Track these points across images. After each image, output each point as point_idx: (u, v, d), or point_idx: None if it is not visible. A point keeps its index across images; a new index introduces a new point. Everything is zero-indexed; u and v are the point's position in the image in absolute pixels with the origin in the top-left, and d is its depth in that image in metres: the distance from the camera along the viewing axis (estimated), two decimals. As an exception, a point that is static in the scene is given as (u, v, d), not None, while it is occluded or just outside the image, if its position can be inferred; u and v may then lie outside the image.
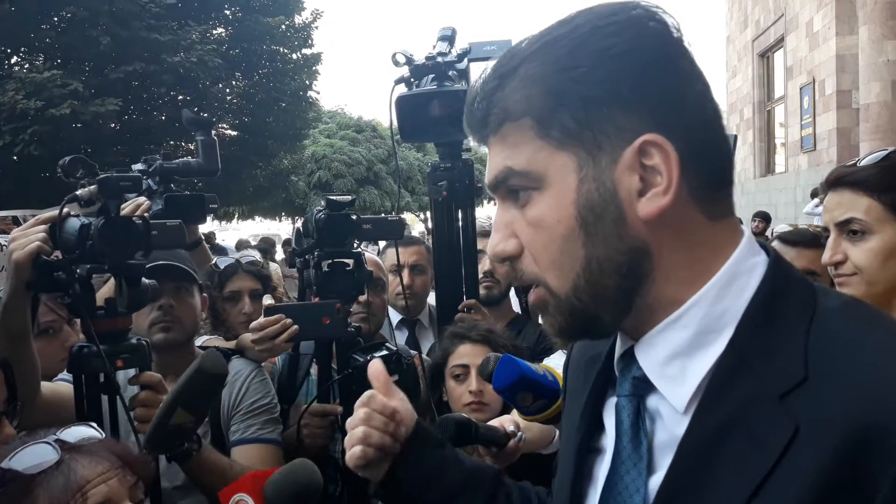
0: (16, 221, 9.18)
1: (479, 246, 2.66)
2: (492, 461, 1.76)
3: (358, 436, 1.03)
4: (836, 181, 1.58)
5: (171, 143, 16.44)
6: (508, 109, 0.77)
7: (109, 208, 1.57)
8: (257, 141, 17.77)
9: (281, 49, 17.84)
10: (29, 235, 1.57)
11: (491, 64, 0.81)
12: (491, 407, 2.00)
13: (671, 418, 0.77)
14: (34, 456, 1.12)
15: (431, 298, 2.86)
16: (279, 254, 12.64)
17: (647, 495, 0.77)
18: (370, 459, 1.03)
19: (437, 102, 2.34)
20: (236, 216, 27.91)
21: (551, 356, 2.05)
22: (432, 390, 2.11)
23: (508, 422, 1.65)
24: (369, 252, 2.64)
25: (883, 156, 1.56)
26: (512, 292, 2.98)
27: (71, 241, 1.57)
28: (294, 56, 18.22)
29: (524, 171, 0.77)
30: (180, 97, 16.39)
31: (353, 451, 1.03)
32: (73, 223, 1.59)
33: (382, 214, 2.45)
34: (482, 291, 2.69)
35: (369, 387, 1.09)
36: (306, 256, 2.12)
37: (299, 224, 2.23)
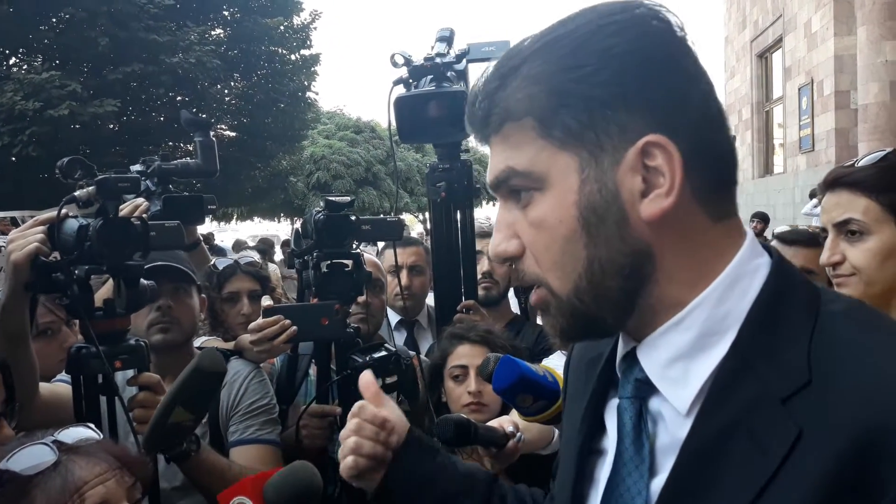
0: (14, 222, 9.18)
1: (478, 247, 2.66)
2: (491, 462, 1.76)
3: (349, 446, 1.05)
4: (834, 182, 1.58)
5: (170, 143, 16.44)
6: (510, 109, 0.77)
7: (108, 209, 1.57)
8: (256, 142, 17.77)
9: (279, 50, 17.85)
10: (27, 236, 1.57)
11: (492, 63, 0.80)
12: (490, 408, 2.00)
13: (673, 421, 0.77)
14: (31, 457, 1.12)
15: (430, 299, 2.86)
16: (278, 255, 12.63)
17: (648, 498, 0.76)
18: (362, 469, 1.05)
19: (435, 103, 2.34)
20: (235, 217, 27.90)
21: (550, 357, 2.05)
22: (431, 391, 2.11)
23: (507, 422, 1.65)
24: (368, 253, 2.64)
25: (881, 156, 1.56)
26: (511, 293, 2.98)
27: (69, 242, 1.57)
28: (293, 57, 18.23)
29: (526, 172, 0.77)
30: (179, 98, 16.39)
31: (344, 462, 1.05)
32: (72, 224, 1.59)
33: (381, 215, 2.46)
34: (481, 292, 2.68)
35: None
36: (305, 257, 2.11)
37: (298, 225, 2.23)
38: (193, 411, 1.50)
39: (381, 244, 2.98)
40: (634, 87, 0.73)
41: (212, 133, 2.39)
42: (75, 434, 1.19)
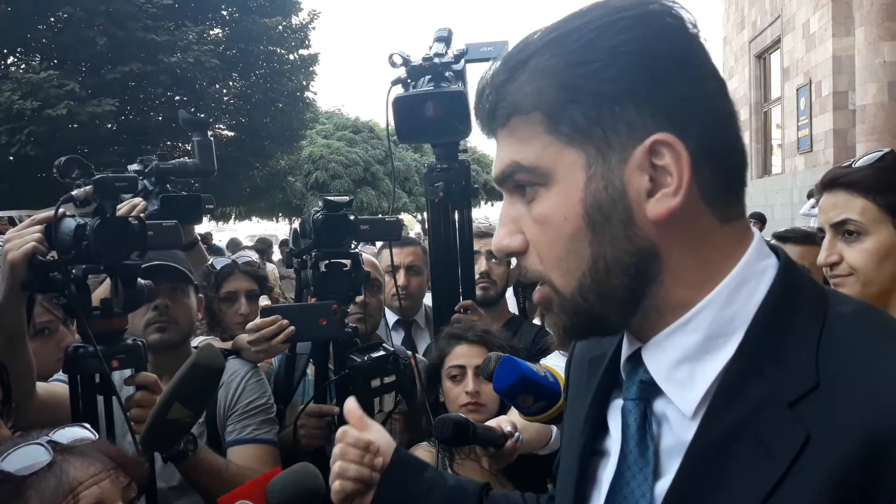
0: (11, 222, 9.16)
1: (476, 247, 2.66)
2: (489, 461, 1.76)
3: (336, 471, 1.07)
4: (831, 182, 1.58)
5: (168, 143, 16.40)
6: (518, 103, 0.75)
7: (105, 209, 1.57)
8: (254, 141, 17.73)
9: (278, 50, 17.81)
10: (24, 236, 1.57)
11: (501, 56, 0.79)
12: (488, 408, 2.00)
13: (679, 423, 0.76)
14: (26, 457, 1.12)
15: (428, 299, 2.86)
16: (276, 254, 12.63)
17: (653, 500, 0.75)
18: (350, 492, 1.07)
19: (433, 103, 2.34)
20: (233, 217, 27.85)
21: (548, 357, 2.05)
22: (429, 391, 2.11)
23: (506, 422, 1.65)
24: (366, 253, 2.64)
25: (878, 157, 1.57)
26: (509, 293, 2.98)
27: (67, 241, 1.57)
28: (291, 57, 18.19)
29: (532, 167, 0.76)
30: (177, 98, 16.36)
31: (333, 487, 1.08)
32: (69, 223, 1.58)
33: (380, 215, 2.46)
34: (478, 292, 2.68)
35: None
36: (303, 257, 2.11)
37: (296, 224, 2.23)
38: (191, 408, 1.50)
39: (379, 244, 2.97)
40: (644, 84, 0.72)
41: (210, 133, 2.39)
42: (70, 434, 1.19)
